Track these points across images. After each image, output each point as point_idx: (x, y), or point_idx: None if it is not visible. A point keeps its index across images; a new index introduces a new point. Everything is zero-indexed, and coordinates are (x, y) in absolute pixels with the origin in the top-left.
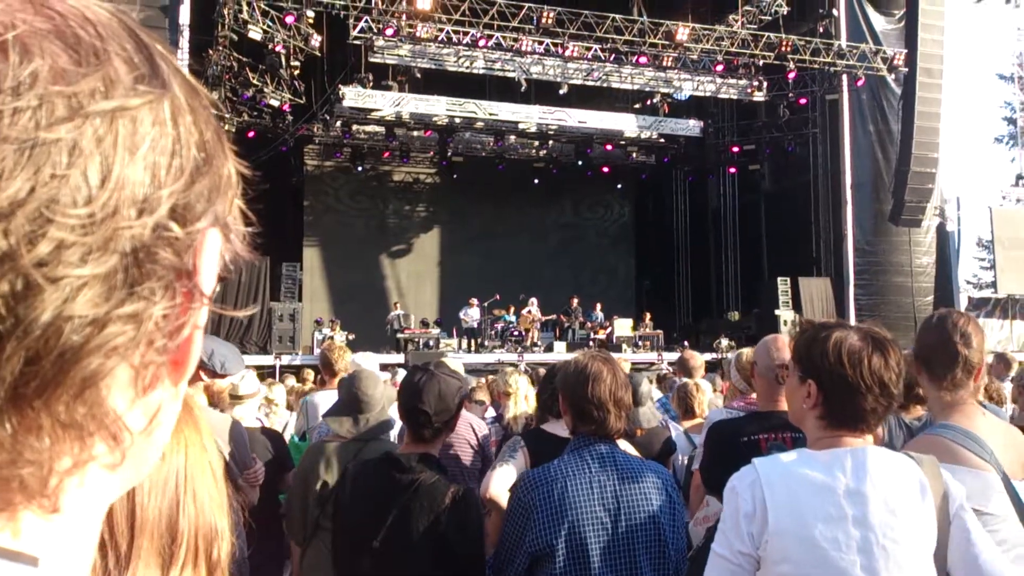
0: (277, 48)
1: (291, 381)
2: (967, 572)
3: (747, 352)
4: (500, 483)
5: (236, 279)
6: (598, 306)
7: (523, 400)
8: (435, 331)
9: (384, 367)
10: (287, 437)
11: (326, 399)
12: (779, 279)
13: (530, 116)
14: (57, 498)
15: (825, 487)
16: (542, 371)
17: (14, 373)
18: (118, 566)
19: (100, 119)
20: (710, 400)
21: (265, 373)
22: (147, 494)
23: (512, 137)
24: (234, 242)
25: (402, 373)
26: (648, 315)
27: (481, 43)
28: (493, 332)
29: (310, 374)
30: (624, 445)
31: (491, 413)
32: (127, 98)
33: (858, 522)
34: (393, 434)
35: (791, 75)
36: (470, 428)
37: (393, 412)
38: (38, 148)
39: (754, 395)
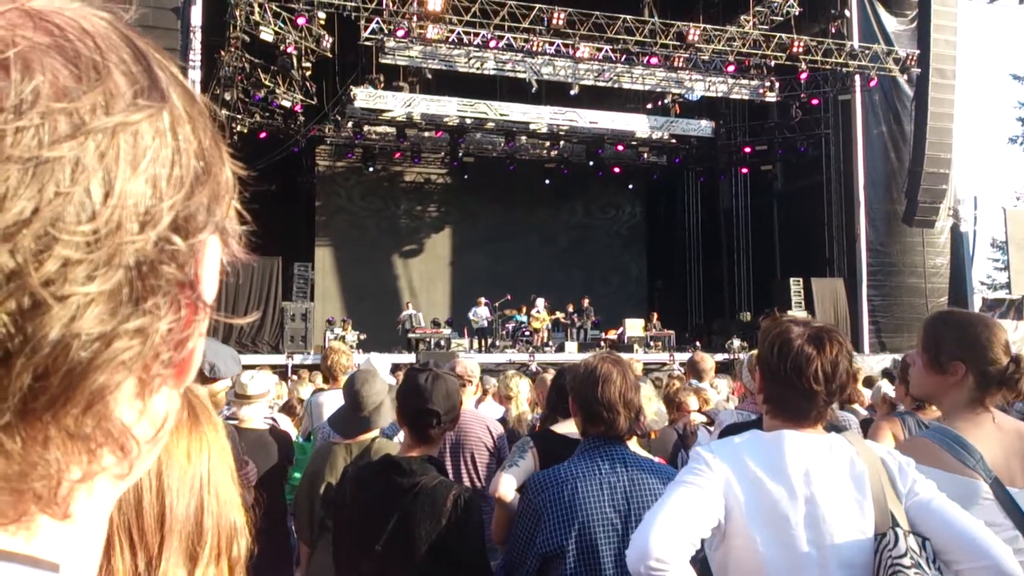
0: (289, 49)
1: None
2: (960, 546)
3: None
4: (509, 483)
5: (248, 280)
6: (586, 301)
7: (524, 402)
8: (446, 331)
9: (395, 367)
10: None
11: (330, 399)
12: (791, 279)
13: (541, 117)
14: (68, 506)
15: (774, 467)
16: (550, 372)
17: (23, 389)
18: (149, 567)
19: (102, 135)
20: (718, 402)
21: (277, 372)
22: (176, 496)
23: (523, 138)
24: (231, 245)
25: None
26: (655, 315)
27: (492, 44)
28: (504, 332)
29: (315, 375)
30: (636, 448)
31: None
32: (128, 113)
33: (806, 500)
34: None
35: (803, 76)
36: (486, 429)
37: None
38: (41, 166)
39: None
